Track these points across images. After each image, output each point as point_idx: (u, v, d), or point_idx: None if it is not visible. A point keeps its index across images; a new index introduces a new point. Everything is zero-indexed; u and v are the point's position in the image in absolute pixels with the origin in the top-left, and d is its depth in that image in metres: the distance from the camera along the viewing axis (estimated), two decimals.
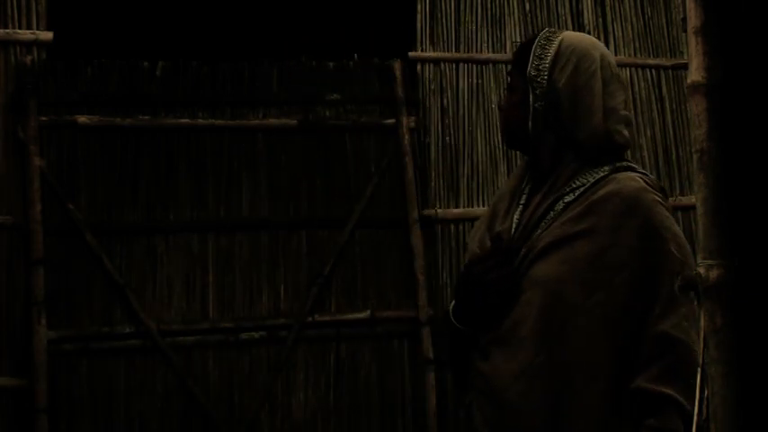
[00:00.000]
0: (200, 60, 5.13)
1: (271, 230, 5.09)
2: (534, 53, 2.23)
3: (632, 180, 2.18)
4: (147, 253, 4.91)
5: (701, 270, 1.34)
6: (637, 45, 5.73)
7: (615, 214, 2.12)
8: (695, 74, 1.37)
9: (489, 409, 2.17)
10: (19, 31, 4.81)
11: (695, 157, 1.37)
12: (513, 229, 2.24)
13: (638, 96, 5.64)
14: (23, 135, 4.74)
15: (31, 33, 4.82)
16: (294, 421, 4.98)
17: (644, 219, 2.12)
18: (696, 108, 1.37)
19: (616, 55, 5.47)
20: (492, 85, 5.44)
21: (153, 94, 5.01)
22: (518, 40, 5.47)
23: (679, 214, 5.35)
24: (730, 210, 1.34)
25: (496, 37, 5.52)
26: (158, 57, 5.08)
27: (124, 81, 4.99)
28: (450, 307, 2.29)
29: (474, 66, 5.45)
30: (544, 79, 2.20)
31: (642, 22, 5.75)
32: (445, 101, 5.38)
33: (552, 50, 2.22)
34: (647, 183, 2.19)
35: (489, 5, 5.51)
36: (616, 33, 5.70)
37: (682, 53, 5.72)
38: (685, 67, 4.63)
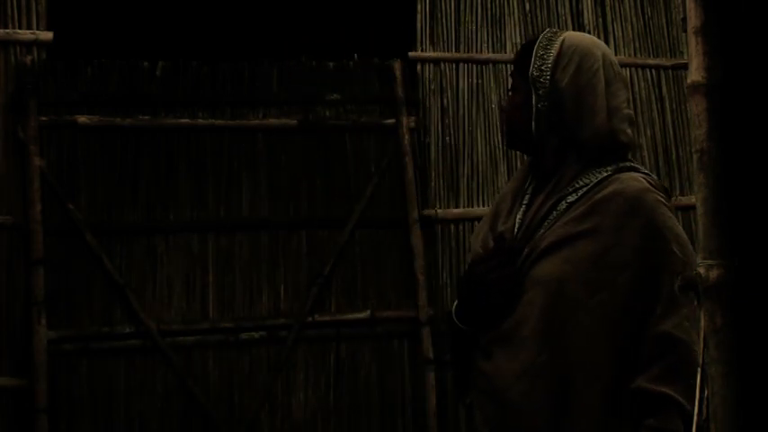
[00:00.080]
0: (200, 60, 5.13)
1: (271, 230, 5.09)
2: (536, 54, 2.23)
3: (635, 180, 2.18)
4: (147, 253, 4.91)
5: (701, 270, 1.34)
6: (637, 45, 5.73)
7: (618, 214, 2.12)
8: (695, 74, 1.37)
9: (491, 409, 2.17)
10: (19, 31, 4.81)
11: (695, 157, 1.37)
12: (515, 229, 2.24)
13: (638, 96, 5.64)
14: (23, 135, 4.74)
15: (31, 33, 4.82)
16: (294, 421, 4.98)
17: (647, 219, 2.12)
18: (696, 108, 1.36)
19: (616, 55, 5.47)
20: (492, 85, 5.44)
21: (153, 94, 5.01)
22: (518, 40, 5.48)
23: (679, 214, 5.34)
24: (730, 210, 1.34)
25: (496, 37, 5.52)
26: (158, 57, 5.08)
27: (124, 81, 4.99)
28: (453, 307, 2.29)
29: (474, 66, 5.45)
30: (547, 79, 2.20)
31: (642, 22, 5.75)
32: (445, 101, 5.38)
33: (554, 50, 2.22)
34: (650, 183, 2.19)
35: (489, 5, 5.51)
36: (616, 33, 5.70)
37: (682, 53, 5.72)
38: (685, 67, 4.63)
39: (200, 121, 5.06)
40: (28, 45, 4.80)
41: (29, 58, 4.78)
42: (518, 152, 4.92)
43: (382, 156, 5.25)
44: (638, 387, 2.05)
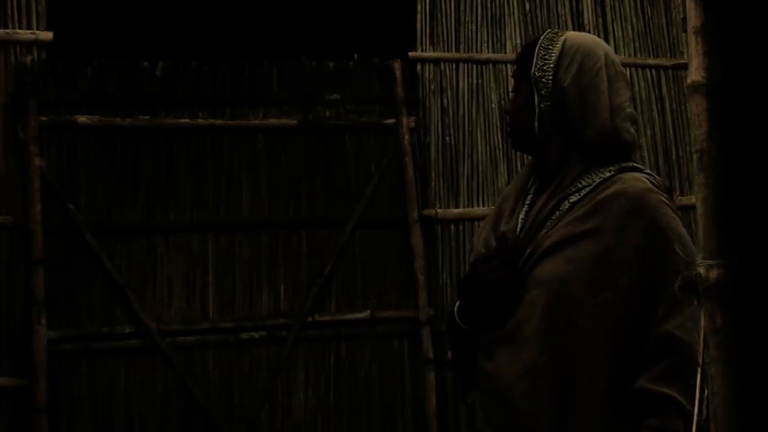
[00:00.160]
0: (200, 60, 5.13)
1: (271, 230, 5.09)
2: (538, 54, 2.23)
3: (638, 180, 2.17)
4: (147, 253, 4.91)
5: (701, 270, 1.34)
6: (637, 45, 5.73)
7: (621, 214, 2.12)
8: (695, 74, 1.37)
9: (493, 409, 2.17)
10: (19, 31, 4.81)
11: (695, 157, 1.37)
12: (518, 229, 2.24)
13: (638, 96, 5.64)
14: (23, 135, 4.74)
15: (31, 33, 4.82)
16: (294, 421, 4.99)
17: (650, 219, 2.12)
18: (696, 108, 1.36)
19: (616, 55, 5.46)
20: (492, 85, 5.44)
21: (153, 94, 5.01)
22: (518, 40, 5.48)
23: (679, 214, 5.34)
24: (730, 210, 1.34)
25: (496, 37, 5.52)
26: (158, 57, 5.08)
27: (124, 81, 4.99)
28: (455, 307, 2.29)
29: (474, 66, 5.45)
30: (549, 80, 2.20)
31: (642, 22, 5.75)
32: (445, 101, 5.38)
33: (556, 51, 2.22)
34: (652, 183, 2.19)
35: (489, 5, 5.51)
36: (616, 33, 5.70)
37: (682, 53, 5.72)
38: (685, 67, 4.63)
39: (200, 121, 5.06)
40: (28, 45, 4.81)
41: (29, 58, 4.78)
42: (519, 152, 4.94)
43: (382, 156, 5.25)
44: (639, 387, 2.05)
